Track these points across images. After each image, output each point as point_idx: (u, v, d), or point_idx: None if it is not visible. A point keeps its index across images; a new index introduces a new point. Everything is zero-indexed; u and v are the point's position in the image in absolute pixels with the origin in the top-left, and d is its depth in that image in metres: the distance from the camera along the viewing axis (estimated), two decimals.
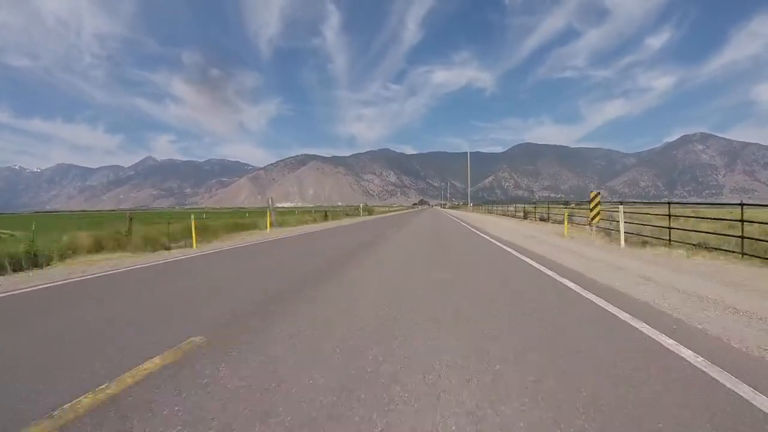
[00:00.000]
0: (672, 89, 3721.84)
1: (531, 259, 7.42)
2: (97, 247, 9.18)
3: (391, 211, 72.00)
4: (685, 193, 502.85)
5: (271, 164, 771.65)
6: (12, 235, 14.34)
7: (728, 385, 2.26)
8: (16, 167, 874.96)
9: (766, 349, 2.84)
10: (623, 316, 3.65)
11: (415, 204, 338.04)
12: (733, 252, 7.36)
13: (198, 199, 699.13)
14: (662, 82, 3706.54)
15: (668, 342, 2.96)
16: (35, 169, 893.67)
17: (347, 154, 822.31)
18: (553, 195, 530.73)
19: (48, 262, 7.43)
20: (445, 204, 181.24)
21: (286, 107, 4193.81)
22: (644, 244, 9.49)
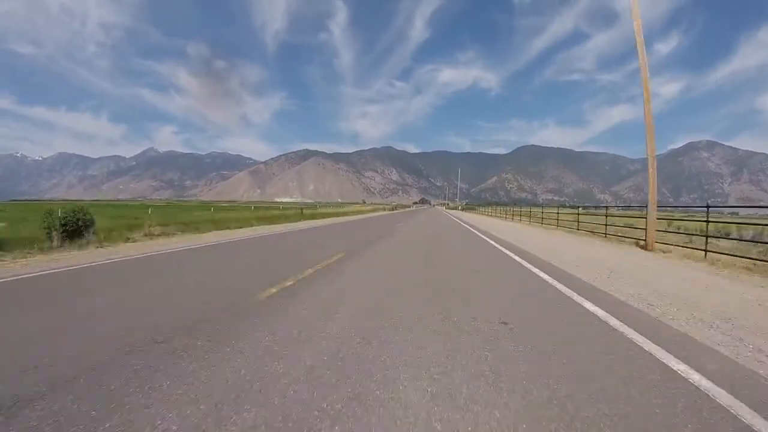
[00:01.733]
0: (678, 96, 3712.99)
1: None
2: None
3: (356, 212, 41.56)
4: (690, 201, 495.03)
5: (272, 158, 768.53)
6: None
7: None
8: (18, 155, 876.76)
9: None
10: None
11: (416, 203, 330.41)
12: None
13: (197, 191, 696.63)
14: (669, 88, 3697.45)
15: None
16: (37, 158, 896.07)
17: (350, 150, 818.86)
18: (557, 198, 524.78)
19: None
20: (449, 204, 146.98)
21: (289, 102, 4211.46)
22: None
